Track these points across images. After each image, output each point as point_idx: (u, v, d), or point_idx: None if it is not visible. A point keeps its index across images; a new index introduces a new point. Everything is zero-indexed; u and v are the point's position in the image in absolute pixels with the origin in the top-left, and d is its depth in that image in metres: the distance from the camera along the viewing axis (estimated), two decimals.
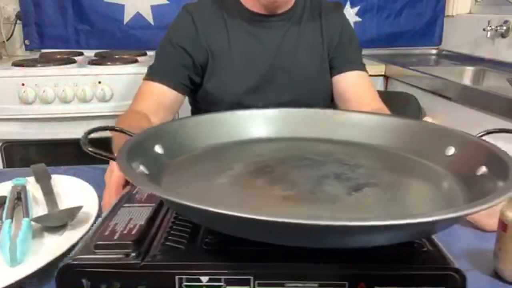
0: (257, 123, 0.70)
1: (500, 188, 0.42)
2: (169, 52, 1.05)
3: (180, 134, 0.63)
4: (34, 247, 0.57)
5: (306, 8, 1.11)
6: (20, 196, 0.70)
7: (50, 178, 0.78)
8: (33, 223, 0.61)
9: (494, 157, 0.50)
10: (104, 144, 0.52)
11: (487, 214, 0.64)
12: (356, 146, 0.66)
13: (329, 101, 1.15)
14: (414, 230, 0.40)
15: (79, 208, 0.65)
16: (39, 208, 0.69)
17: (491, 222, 0.63)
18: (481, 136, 0.57)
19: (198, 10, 1.08)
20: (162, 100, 1.02)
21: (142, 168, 0.50)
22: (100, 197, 0.70)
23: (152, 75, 1.04)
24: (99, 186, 0.73)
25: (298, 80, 1.09)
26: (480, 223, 0.66)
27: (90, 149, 0.49)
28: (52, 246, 0.57)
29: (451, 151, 0.58)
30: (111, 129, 0.59)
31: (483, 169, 0.50)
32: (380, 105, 1.05)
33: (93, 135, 0.56)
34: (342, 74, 1.10)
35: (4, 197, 0.70)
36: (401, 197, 0.53)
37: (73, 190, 0.74)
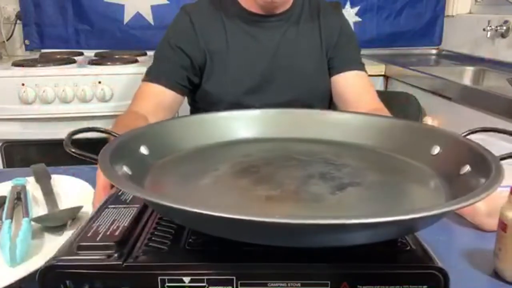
0: (244, 124, 0.70)
1: (481, 187, 0.42)
2: (167, 53, 1.05)
3: (166, 135, 0.63)
4: (34, 247, 0.57)
5: (305, 8, 1.11)
6: (20, 196, 0.70)
7: (50, 178, 0.78)
8: (33, 223, 0.61)
9: (478, 156, 0.50)
10: (96, 146, 0.52)
11: (487, 214, 0.64)
12: (342, 146, 0.67)
13: (328, 101, 1.15)
14: (391, 228, 0.40)
15: (79, 208, 0.65)
16: (39, 208, 0.69)
17: (491, 222, 0.63)
18: (466, 135, 0.57)
19: (196, 10, 1.08)
20: (161, 100, 1.03)
21: (125, 169, 0.50)
22: None
23: (151, 76, 1.04)
24: None
25: (297, 80, 1.09)
26: (480, 223, 0.66)
27: (72, 150, 0.49)
28: (52, 246, 0.57)
29: (436, 150, 0.58)
30: (96, 130, 0.59)
31: (467, 168, 0.51)
32: (379, 105, 1.05)
33: (87, 136, 0.56)
34: (341, 74, 1.10)
35: (4, 197, 0.69)
36: (385, 196, 0.53)
37: (73, 190, 0.74)
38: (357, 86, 1.10)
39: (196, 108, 1.15)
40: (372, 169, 0.59)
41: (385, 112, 1.00)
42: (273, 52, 1.07)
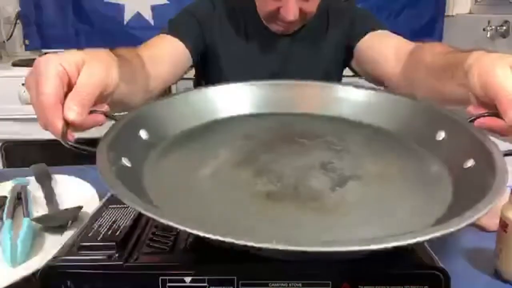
0: (247, 98, 0.67)
1: (482, 202, 0.41)
2: (183, 17, 1.03)
3: (166, 114, 0.60)
4: (35, 247, 0.57)
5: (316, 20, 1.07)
6: (20, 196, 0.70)
7: (50, 178, 0.78)
8: (33, 223, 0.61)
9: (483, 150, 0.49)
10: (94, 145, 0.51)
11: (488, 214, 0.64)
12: (347, 125, 0.65)
13: None
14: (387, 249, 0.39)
15: (79, 208, 0.65)
16: (39, 208, 0.69)
17: (492, 222, 0.63)
18: (471, 120, 0.55)
19: (219, 2, 1.07)
20: (166, 50, 0.96)
21: (124, 161, 0.48)
22: (100, 197, 0.70)
23: (164, 30, 1.01)
24: (99, 186, 0.73)
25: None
26: (481, 223, 0.66)
27: (69, 143, 0.47)
28: (53, 246, 0.57)
29: (441, 136, 0.57)
30: (93, 112, 0.57)
31: (471, 162, 0.50)
32: (412, 44, 0.90)
33: (84, 136, 0.55)
34: (359, 43, 1.01)
35: (5, 197, 0.69)
36: (385, 194, 0.51)
37: (73, 190, 0.74)
38: (378, 42, 0.99)
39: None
40: (374, 157, 0.57)
41: (426, 45, 0.83)
42: (283, 58, 1.06)
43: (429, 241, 0.36)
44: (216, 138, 0.61)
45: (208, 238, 0.34)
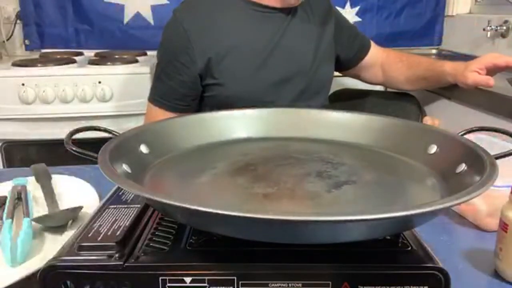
0: (243, 124, 0.70)
1: (474, 185, 0.43)
2: (168, 71, 1.05)
3: (166, 134, 0.63)
4: (35, 247, 0.57)
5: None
6: (20, 196, 0.70)
7: (50, 178, 0.78)
8: (33, 223, 0.61)
9: (473, 155, 0.51)
10: (98, 145, 0.52)
11: (488, 214, 0.64)
12: (340, 145, 0.67)
13: (329, 88, 1.21)
14: (382, 225, 0.40)
15: (79, 208, 0.65)
16: (39, 208, 0.69)
17: (492, 222, 0.63)
18: (463, 134, 0.58)
19: (189, 14, 1.05)
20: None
21: (125, 167, 0.50)
22: (100, 197, 0.70)
23: (158, 100, 1.06)
24: (99, 186, 0.73)
25: (296, 66, 1.10)
26: (481, 223, 0.66)
27: (73, 148, 0.49)
28: (53, 246, 0.57)
29: (433, 149, 0.59)
30: (95, 129, 0.59)
31: (462, 167, 0.51)
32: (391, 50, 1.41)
33: (88, 136, 0.56)
34: (363, 60, 1.32)
35: (5, 197, 0.69)
36: (380, 194, 0.54)
37: (73, 190, 0.74)
38: (376, 54, 1.37)
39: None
40: (369, 168, 0.59)
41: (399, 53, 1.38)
42: (276, 41, 1.07)
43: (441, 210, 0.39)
44: (214, 155, 0.64)
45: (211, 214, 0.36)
